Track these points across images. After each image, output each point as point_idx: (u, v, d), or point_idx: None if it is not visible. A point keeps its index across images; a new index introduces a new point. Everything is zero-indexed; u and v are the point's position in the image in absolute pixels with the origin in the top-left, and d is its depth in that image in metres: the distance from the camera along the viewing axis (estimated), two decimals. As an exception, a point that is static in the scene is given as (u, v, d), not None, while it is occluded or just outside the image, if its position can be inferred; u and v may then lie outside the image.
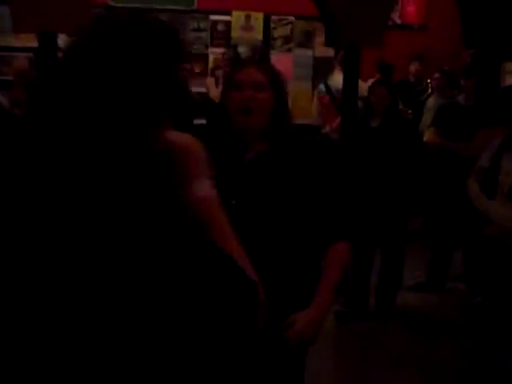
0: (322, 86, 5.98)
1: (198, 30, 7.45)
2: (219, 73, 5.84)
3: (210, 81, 5.94)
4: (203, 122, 5.20)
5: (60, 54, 5.06)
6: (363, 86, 5.15)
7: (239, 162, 2.21)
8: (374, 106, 4.56)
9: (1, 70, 6.41)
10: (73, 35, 3.66)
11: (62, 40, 4.86)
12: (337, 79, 5.55)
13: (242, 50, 6.64)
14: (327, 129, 5.68)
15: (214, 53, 7.25)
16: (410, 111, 5.91)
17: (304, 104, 6.76)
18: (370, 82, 5.25)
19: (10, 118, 4.61)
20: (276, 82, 2.20)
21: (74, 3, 4.48)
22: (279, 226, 2.14)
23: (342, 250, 2.24)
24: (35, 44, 6.39)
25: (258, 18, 7.49)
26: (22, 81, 5.02)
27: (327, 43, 5.07)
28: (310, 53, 7.50)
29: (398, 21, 7.73)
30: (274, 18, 7.53)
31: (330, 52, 6.52)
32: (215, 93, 5.37)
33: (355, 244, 2.35)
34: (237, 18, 7.48)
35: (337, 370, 3.54)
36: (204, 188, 1.28)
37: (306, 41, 7.51)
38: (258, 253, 2.18)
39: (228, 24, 7.47)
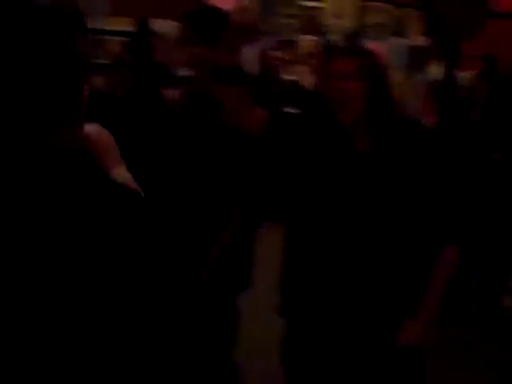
0: (419, 76, 5.80)
1: (289, 16, 7.34)
2: (313, 61, 5.73)
3: (304, 69, 5.84)
4: (294, 110, 5.13)
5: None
6: (463, 77, 4.94)
7: (349, 155, 2.13)
8: (474, 98, 4.36)
9: (94, 52, 6.50)
10: (167, 18, 3.61)
11: (157, 24, 4.86)
12: (435, 69, 5.35)
13: (334, 38, 6.50)
14: (425, 120, 5.48)
15: (305, 40, 7.13)
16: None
17: (399, 94, 6.57)
18: (472, 73, 5.03)
19: (109, 98, 4.65)
20: (369, 70, 2.11)
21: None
22: (394, 223, 2.07)
23: (450, 254, 2.16)
24: (127, 28, 6.49)
25: (351, 5, 7.31)
26: (117, 62, 5.09)
27: (427, 33, 4.90)
28: (404, 41, 7.27)
29: (499, 9, 7.39)
30: (367, 5, 7.33)
31: (426, 41, 6.29)
32: (309, 81, 5.27)
33: (461, 246, 2.25)
34: (329, 4, 7.32)
35: (435, 375, 3.40)
36: (121, 174, 1.25)
37: (401, 29, 7.28)
38: (373, 254, 2.13)
39: (320, 11, 7.33)
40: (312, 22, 7.28)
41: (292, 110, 5.23)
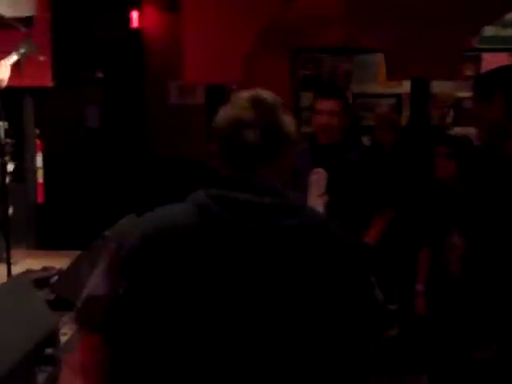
0: None
1: None
2: None
3: None
4: None
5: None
6: None
7: None
8: None
9: (364, 115, 6.65)
10: (444, 79, 3.50)
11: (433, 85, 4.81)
12: None
13: None
14: None
15: None
16: None
17: None
18: None
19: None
20: None
21: (447, 48, 4.41)
22: None
23: None
24: (395, 90, 6.55)
25: None
26: (384, 123, 5.14)
27: None
28: None
29: None
30: None
31: None
32: None
33: None
34: None
35: None
36: None
37: None
38: None
39: None
40: None
41: None
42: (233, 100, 1.52)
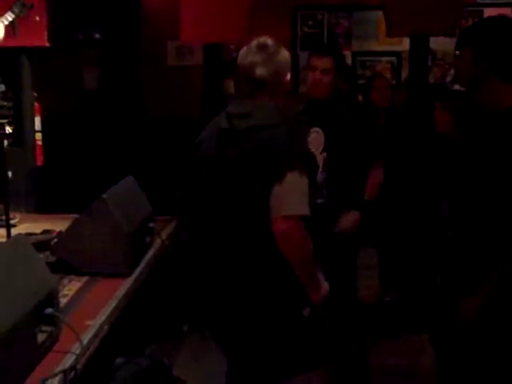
0: None
1: None
2: None
3: None
4: None
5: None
6: None
7: None
8: None
9: (364, 73, 6.59)
10: (444, 36, 3.47)
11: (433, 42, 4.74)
12: None
13: None
14: None
15: None
16: None
17: None
18: None
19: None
20: None
21: (446, 4, 4.34)
22: None
23: None
24: (396, 48, 6.47)
25: None
26: (380, 84, 5.08)
27: None
28: None
29: None
30: None
31: None
32: None
33: None
34: None
35: None
36: None
37: None
38: None
39: None
40: None
41: None
42: (248, 45, 2.41)
